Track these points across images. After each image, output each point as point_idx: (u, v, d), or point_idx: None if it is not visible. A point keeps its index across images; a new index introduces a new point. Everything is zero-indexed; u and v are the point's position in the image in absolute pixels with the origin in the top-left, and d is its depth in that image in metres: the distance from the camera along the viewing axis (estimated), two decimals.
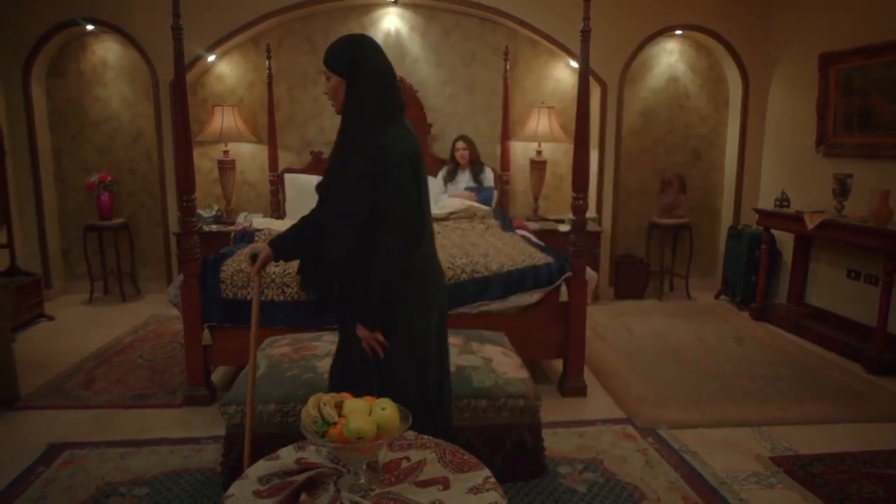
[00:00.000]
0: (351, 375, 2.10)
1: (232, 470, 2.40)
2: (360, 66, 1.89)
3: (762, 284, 5.00)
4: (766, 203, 5.18)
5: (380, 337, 1.97)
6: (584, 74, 3.33)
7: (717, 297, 5.65)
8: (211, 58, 5.28)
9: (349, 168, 1.91)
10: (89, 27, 5.12)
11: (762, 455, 2.82)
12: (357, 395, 1.73)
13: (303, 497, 1.61)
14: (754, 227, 5.19)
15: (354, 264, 1.94)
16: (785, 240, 5.14)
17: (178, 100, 3.27)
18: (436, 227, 4.45)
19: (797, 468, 2.69)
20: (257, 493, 1.65)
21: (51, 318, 4.83)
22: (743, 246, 5.28)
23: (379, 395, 1.93)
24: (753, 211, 5.13)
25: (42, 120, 5.26)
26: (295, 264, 3.35)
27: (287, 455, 1.84)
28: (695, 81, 5.71)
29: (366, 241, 1.90)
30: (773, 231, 4.98)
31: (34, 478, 2.60)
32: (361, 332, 1.98)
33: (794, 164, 5.11)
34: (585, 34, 3.24)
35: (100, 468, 2.68)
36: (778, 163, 5.36)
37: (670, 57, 5.66)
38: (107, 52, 5.33)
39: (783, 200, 4.78)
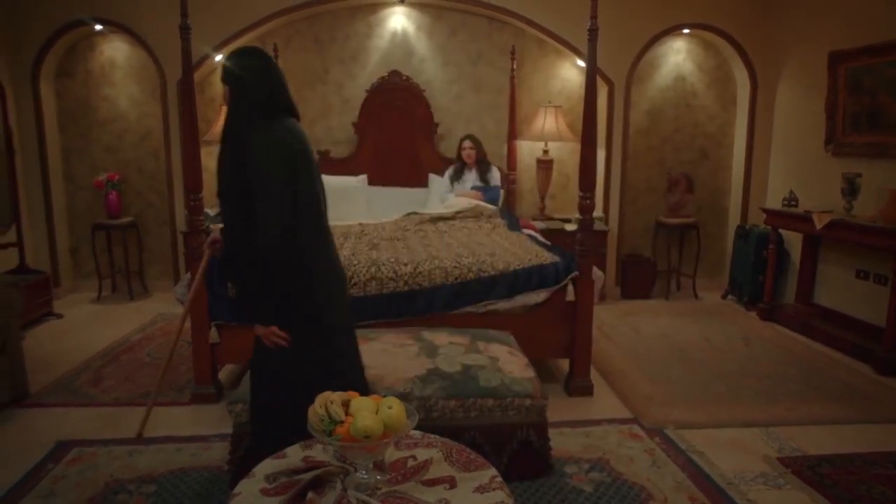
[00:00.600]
0: (263, 377, 2.16)
1: (239, 468, 2.41)
2: (239, 75, 2.04)
3: (770, 284, 4.98)
4: (774, 202, 5.16)
5: (278, 331, 2.01)
6: (592, 73, 3.33)
7: (724, 296, 5.63)
8: (218, 57, 5.28)
9: (226, 167, 2.03)
10: (98, 27, 5.15)
11: (770, 456, 2.81)
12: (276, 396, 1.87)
13: (310, 495, 1.61)
14: (762, 227, 5.16)
15: (242, 260, 2.00)
16: (793, 239, 5.11)
17: (186, 99, 3.28)
18: (442, 225, 4.51)
19: (805, 469, 2.68)
20: (264, 492, 1.65)
21: (59, 316, 4.86)
22: (750, 245, 5.25)
23: (283, 395, 2.09)
24: (761, 210, 5.10)
25: (51, 119, 5.29)
26: None
27: (294, 453, 1.84)
28: (702, 80, 5.69)
29: (247, 237, 1.96)
30: (780, 231, 4.95)
31: (43, 474, 2.62)
32: (259, 329, 2.03)
33: (802, 164, 5.08)
34: (593, 33, 3.24)
35: (108, 465, 2.69)
36: (786, 162, 5.33)
37: (678, 56, 5.64)
38: (115, 51, 5.36)
39: (791, 200, 4.76)
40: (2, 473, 2.62)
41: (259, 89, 2.03)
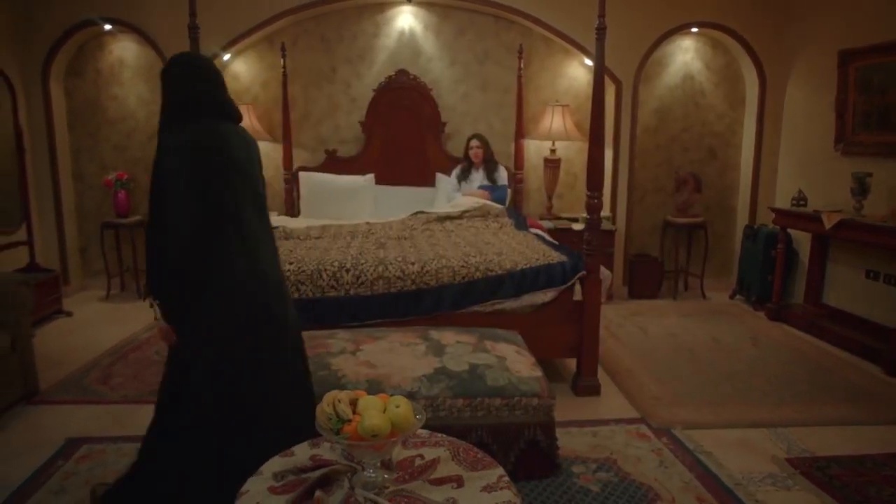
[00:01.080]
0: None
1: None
2: (165, 82, 2.13)
3: (778, 284, 4.95)
4: (783, 202, 5.13)
5: (171, 333, 2.02)
6: (599, 72, 3.32)
7: (732, 297, 5.60)
8: (226, 57, 5.31)
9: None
10: (107, 27, 5.18)
11: (778, 456, 2.80)
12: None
13: (317, 493, 1.62)
14: (770, 227, 5.14)
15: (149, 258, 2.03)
16: (802, 239, 5.08)
17: None
18: (449, 224, 4.51)
19: (814, 470, 2.67)
20: (272, 490, 1.66)
21: (69, 314, 4.89)
22: (759, 245, 5.23)
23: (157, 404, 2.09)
24: (770, 210, 5.08)
25: (61, 119, 5.33)
26: (308, 262, 3.39)
27: (301, 452, 1.85)
28: (710, 79, 5.67)
29: (153, 236, 2.01)
30: (789, 230, 4.93)
31: (54, 471, 2.64)
32: (160, 323, 2.04)
33: (811, 163, 5.05)
34: (601, 32, 3.23)
35: (117, 462, 2.70)
36: (795, 161, 5.31)
37: (686, 55, 5.62)
38: (124, 51, 5.38)
39: (800, 199, 4.73)
40: (13, 469, 2.64)
41: (176, 93, 2.08)
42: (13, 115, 4.89)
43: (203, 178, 1.97)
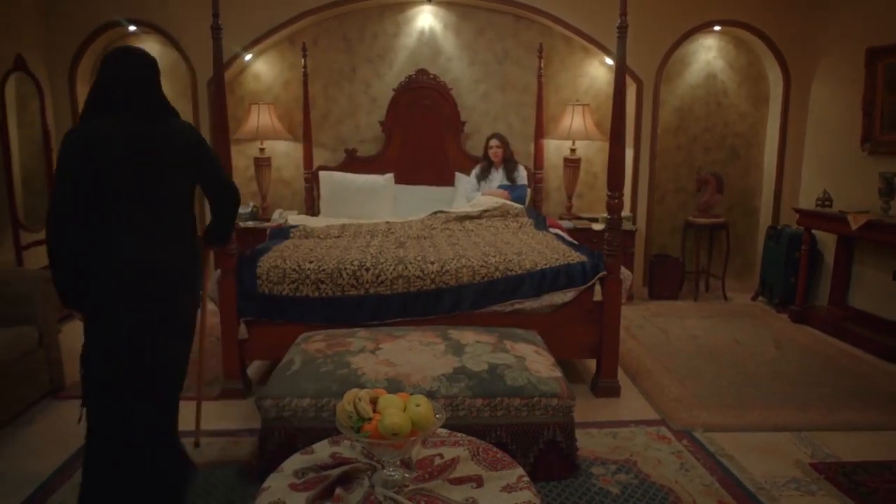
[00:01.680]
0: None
1: (268, 463, 2.44)
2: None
3: (802, 286, 4.87)
4: (808, 203, 5.05)
5: (75, 313, 2.15)
6: (621, 71, 3.29)
7: (754, 298, 5.53)
8: (248, 56, 5.36)
9: None
10: (131, 28, 5.25)
11: (802, 461, 2.76)
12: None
13: (337, 491, 1.63)
14: (794, 228, 5.06)
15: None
16: (826, 240, 5.00)
17: (217, 98, 3.33)
18: (469, 224, 4.51)
19: (839, 475, 2.62)
20: (293, 487, 1.67)
21: None
22: (782, 246, 5.15)
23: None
24: (793, 211, 5.00)
25: None
26: (328, 261, 3.41)
27: (321, 449, 1.86)
28: (733, 78, 5.60)
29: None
30: (814, 231, 4.85)
31: (80, 465, 2.67)
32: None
33: (837, 163, 4.97)
34: (622, 31, 3.21)
35: None
36: (820, 161, 5.22)
37: (708, 53, 5.56)
38: (148, 51, 5.44)
39: (825, 200, 4.65)
40: (39, 463, 2.70)
41: (99, 84, 2.12)
42: (41, 115, 4.97)
43: (78, 171, 2.01)
